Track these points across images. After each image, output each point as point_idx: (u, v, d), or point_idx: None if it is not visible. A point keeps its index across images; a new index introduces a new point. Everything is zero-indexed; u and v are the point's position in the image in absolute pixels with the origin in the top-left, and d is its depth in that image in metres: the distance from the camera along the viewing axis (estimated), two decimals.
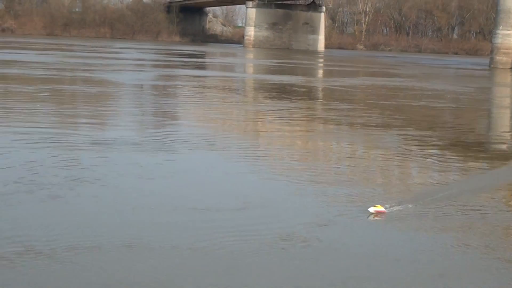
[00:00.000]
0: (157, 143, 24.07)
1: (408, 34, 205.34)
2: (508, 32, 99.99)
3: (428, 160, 23.44)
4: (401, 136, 28.27)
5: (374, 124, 31.84)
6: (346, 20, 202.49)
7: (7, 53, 76.90)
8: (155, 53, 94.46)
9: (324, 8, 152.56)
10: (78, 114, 31.39)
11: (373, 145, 26.31)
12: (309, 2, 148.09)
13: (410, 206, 15.39)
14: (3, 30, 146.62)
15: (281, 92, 48.78)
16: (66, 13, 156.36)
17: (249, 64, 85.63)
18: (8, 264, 11.01)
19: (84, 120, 29.58)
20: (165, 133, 27.13)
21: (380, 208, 14.58)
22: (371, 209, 14.53)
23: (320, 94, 51.48)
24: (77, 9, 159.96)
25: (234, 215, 14.45)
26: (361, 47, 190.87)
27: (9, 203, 14.54)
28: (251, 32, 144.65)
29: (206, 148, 23.55)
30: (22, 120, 27.14)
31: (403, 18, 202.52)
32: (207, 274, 11.16)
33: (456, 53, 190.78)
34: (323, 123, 33.20)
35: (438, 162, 22.88)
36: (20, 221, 13.46)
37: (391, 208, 14.86)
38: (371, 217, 14.54)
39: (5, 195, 15.10)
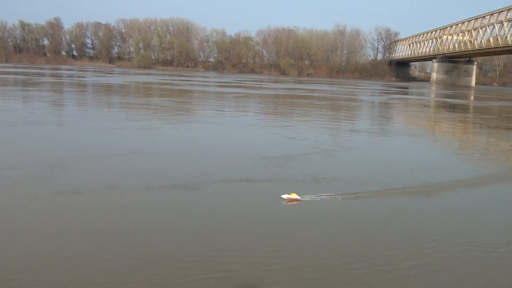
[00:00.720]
0: (381, 131, 24.09)
1: None
2: None
3: None
4: None
5: (505, 127, 30.03)
6: (487, 69, 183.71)
7: (312, 86, 78.29)
8: (381, 87, 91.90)
9: (475, 62, 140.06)
10: (340, 116, 31.75)
11: (503, 139, 24.79)
12: (467, 59, 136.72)
13: (324, 196, 10.91)
14: (308, 75, 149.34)
15: (450, 107, 45.92)
16: (338, 65, 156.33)
17: (433, 93, 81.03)
18: (305, 185, 12.69)
19: (344, 118, 29.86)
20: (385, 126, 26.90)
21: (294, 196, 10.59)
22: (284, 196, 10.60)
23: (472, 109, 47.63)
24: (343, 63, 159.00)
25: (425, 173, 14.51)
26: (495, 84, 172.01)
27: (308, 159, 15.62)
28: (434, 76, 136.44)
29: (409, 135, 23.44)
30: (312, 120, 28.06)
31: None
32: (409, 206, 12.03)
33: None
34: (472, 125, 31.78)
35: None
36: (314, 168, 15.05)
37: (305, 197, 10.63)
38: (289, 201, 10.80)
39: (306, 154, 16.09)
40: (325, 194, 11.17)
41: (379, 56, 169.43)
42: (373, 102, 48.51)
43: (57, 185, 11.02)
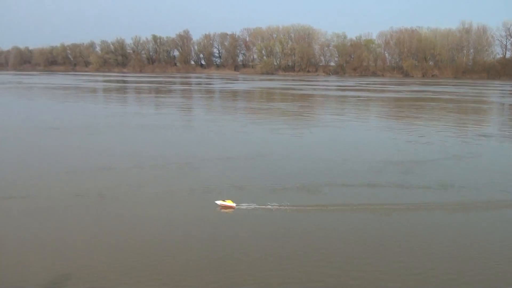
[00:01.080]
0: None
1: None
2: None
3: None
4: None
5: None
6: None
7: (437, 88, 72.94)
8: None
9: None
10: (469, 119, 29.32)
11: None
12: None
13: (256, 205, 10.08)
14: (432, 76, 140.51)
15: None
16: (464, 65, 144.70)
17: None
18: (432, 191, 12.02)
19: (473, 122, 27.60)
20: None
21: (230, 203, 10.04)
22: (218, 202, 10.10)
23: None
24: (469, 63, 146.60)
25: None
26: None
27: (435, 165, 14.64)
28: None
29: None
30: (439, 123, 26.38)
31: None
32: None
33: None
34: None
35: None
36: (441, 174, 14.37)
37: (240, 205, 10.01)
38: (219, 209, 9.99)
39: (433, 160, 15.20)
40: (451, 201, 10.67)
41: (508, 54, 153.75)
42: (503, 104, 44.01)
43: (187, 184, 11.68)
